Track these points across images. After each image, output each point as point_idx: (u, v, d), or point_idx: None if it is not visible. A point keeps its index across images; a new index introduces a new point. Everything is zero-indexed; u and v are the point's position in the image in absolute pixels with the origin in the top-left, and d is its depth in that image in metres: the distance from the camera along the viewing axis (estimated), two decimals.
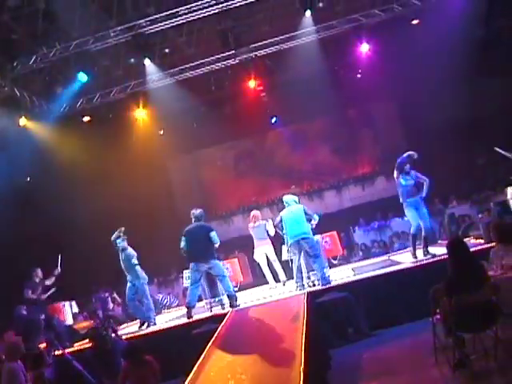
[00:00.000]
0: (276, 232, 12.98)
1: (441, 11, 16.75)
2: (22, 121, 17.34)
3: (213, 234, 11.70)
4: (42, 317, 12.97)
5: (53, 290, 13.62)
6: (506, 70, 18.27)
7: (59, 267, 13.70)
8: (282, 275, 14.08)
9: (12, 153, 16.97)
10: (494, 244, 9.60)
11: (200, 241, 11.62)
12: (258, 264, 14.39)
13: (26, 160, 17.33)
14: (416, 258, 11.97)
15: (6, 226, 16.94)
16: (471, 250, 7.84)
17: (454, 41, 16.64)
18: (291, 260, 12.20)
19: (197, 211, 12.01)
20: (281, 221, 12.02)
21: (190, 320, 11.40)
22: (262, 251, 14.04)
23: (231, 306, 11.54)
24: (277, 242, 13.79)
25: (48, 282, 13.53)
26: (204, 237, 11.65)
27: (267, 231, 13.91)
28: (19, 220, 17.85)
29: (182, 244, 11.77)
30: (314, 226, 12.09)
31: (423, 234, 12.01)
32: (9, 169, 17.94)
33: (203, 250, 11.59)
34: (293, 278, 12.25)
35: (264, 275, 14.36)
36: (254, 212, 14.52)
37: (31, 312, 13.24)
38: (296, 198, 12.42)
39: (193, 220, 11.97)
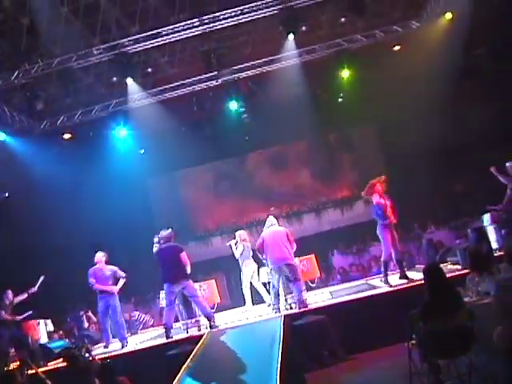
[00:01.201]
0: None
1: (422, 38, 16.99)
2: (2, 136, 17.31)
3: (183, 255, 11.62)
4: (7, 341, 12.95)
5: (29, 312, 13.69)
6: (485, 97, 18.52)
7: (36, 287, 13.74)
8: (266, 298, 14.06)
9: None
10: (470, 270, 9.67)
11: (171, 262, 11.53)
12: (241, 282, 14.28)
13: (5, 175, 17.23)
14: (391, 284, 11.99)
15: None
16: (448, 275, 7.88)
17: (435, 67, 16.89)
18: (269, 283, 12.21)
19: (165, 232, 11.91)
20: (262, 243, 11.98)
21: (166, 341, 11.33)
22: (252, 270, 13.98)
23: (211, 327, 11.47)
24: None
25: (19, 298, 13.59)
26: (174, 258, 11.56)
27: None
28: None
29: None
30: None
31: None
32: None
33: (175, 271, 11.50)
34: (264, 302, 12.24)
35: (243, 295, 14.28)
36: (243, 232, 14.47)
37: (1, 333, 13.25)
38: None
39: (161, 242, 11.88)
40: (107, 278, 12.62)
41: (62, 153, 18.44)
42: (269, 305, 13.59)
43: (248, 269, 13.98)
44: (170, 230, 11.97)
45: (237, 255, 14.06)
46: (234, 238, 14.28)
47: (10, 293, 13.74)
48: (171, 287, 11.50)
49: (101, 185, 19.36)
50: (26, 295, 13.78)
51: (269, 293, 12.59)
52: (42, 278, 13.92)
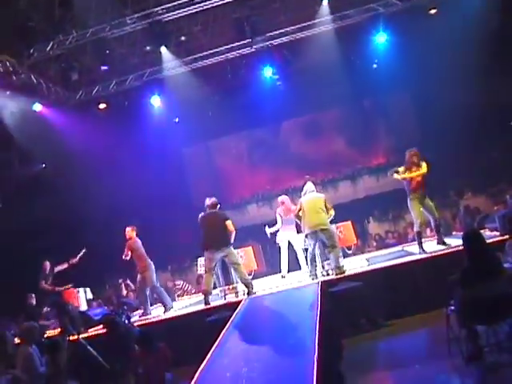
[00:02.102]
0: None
1: (459, 1, 16.64)
2: (38, 107, 17.48)
3: (228, 223, 11.63)
4: (46, 309, 13.31)
5: (69, 285, 14.21)
6: None
7: (77, 258, 14.07)
8: (303, 266, 13.92)
9: (28, 139, 17.10)
10: (509, 236, 9.59)
11: (215, 229, 11.56)
12: (279, 249, 14.27)
13: (41, 146, 17.45)
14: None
15: (22, 212, 17.09)
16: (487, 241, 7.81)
17: (472, 31, 16.52)
18: (306, 249, 12.23)
19: (209, 201, 11.96)
20: (300, 208, 12.00)
21: (204, 307, 11.44)
22: (286, 236, 13.98)
23: (248, 293, 11.52)
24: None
25: (60, 268, 13.96)
26: (219, 225, 11.59)
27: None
28: (35, 206, 17.98)
29: None
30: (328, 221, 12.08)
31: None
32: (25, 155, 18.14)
33: (218, 238, 11.53)
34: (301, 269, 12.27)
35: (280, 261, 14.28)
36: (284, 197, 14.42)
37: (42, 299, 13.62)
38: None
39: (207, 209, 11.95)
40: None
41: (98, 123, 18.54)
42: (282, 276, 13.72)
43: (281, 234, 13.97)
44: (214, 198, 12.02)
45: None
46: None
47: (47, 264, 14.15)
48: (212, 254, 11.54)
49: (136, 154, 19.52)
50: (66, 265, 14.21)
51: (306, 259, 12.59)
52: (83, 251, 14.25)
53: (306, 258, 12.62)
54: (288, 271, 14.11)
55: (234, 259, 11.70)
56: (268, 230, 14.12)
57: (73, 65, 16.31)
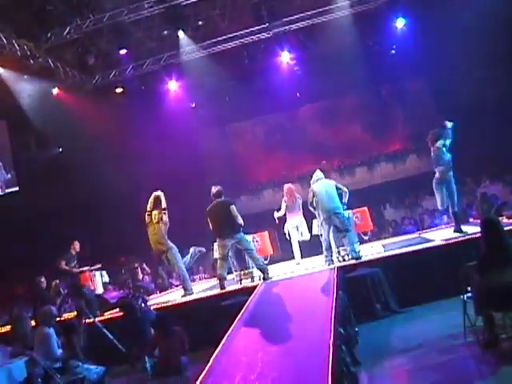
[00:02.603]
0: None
1: None
2: (55, 91, 17.55)
3: (232, 208, 11.59)
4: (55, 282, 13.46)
5: (86, 268, 14.23)
6: None
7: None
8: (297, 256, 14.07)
9: (45, 123, 17.17)
10: None
11: (222, 217, 11.57)
12: (288, 236, 14.31)
13: (58, 130, 17.52)
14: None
15: (39, 195, 17.18)
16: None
17: (491, 16, 16.33)
18: (321, 235, 12.20)
19: (215, 189, 11.91)
20: (313, 196, 11.97)
21: (220, 292, 11.48)
22: (294, 223, 14.01)
23: (264, 278, 11.51)
24: (308, 216, 13.72)
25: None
26: (225, 212, 11.57)
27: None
28: (51, 190, 18.06)
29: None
30: (345, 201, 12.07)
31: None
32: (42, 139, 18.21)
33: (226, 226, 11.54)
34: (321, 254, 12.27)
35: (292, 249, 14.30)
36: (289, 185, 14.43)
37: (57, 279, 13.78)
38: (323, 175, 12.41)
39: (213, 199, 11.93)
40: None
41: (114, 107, 18.59)
42: (297, 263, 13.82)
43: (289, 222, 14.04)
44: (219, 186, 11.99)
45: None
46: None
47: (77, 244, 14.18)
48: (224, 241, 11.56)
49: (152, 138, 19.52)
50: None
51: (321, 245, 12.56)
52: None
53: (321, 243, 12.60)
54: (302, 257, 14.16)
55: (247, 245, 11.69)
56: (276, 215, 14.16)
57: (89, 49, 16.40)
